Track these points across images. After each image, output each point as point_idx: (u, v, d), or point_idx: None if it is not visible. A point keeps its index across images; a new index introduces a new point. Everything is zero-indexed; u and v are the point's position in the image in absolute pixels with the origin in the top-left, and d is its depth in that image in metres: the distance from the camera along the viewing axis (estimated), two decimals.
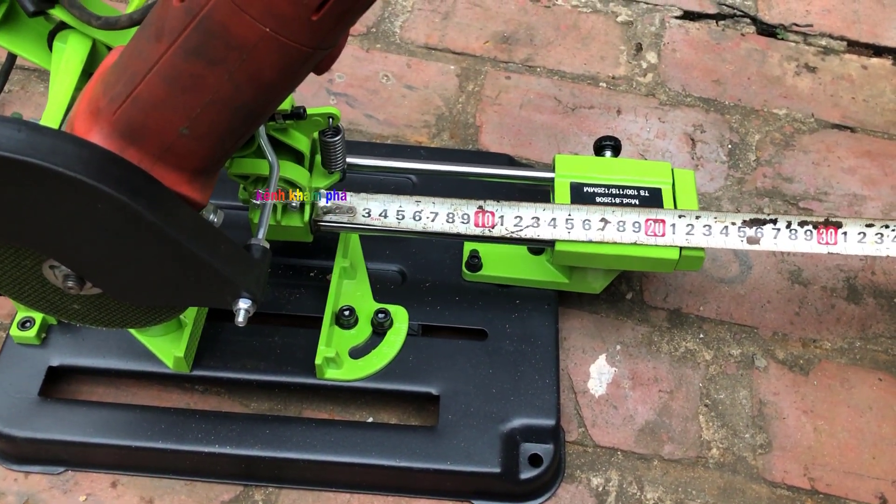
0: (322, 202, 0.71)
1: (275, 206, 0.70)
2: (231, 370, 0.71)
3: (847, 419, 0.75)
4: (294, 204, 0.69)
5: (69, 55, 0.61)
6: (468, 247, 0.78)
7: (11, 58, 0.86)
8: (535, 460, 0.69)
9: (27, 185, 0.46)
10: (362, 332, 0.73)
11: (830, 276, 0.84)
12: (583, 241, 0.70)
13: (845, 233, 0.70)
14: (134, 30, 0.55)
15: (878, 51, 1.03)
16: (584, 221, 0.68)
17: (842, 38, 1.04)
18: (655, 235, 0.68)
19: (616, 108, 0.96)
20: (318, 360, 0.69)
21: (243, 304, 0.55)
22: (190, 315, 0.70)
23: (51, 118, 0.59)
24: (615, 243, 0.70)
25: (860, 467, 0.73)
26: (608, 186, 0.73)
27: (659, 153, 0.93)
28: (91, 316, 0.59)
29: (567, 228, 0.68)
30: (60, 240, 0.51)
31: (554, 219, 0.69)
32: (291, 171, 0.68)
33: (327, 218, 0.71)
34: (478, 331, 0.75)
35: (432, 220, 0.70)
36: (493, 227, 0.69)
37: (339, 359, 0.71)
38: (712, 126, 0.95)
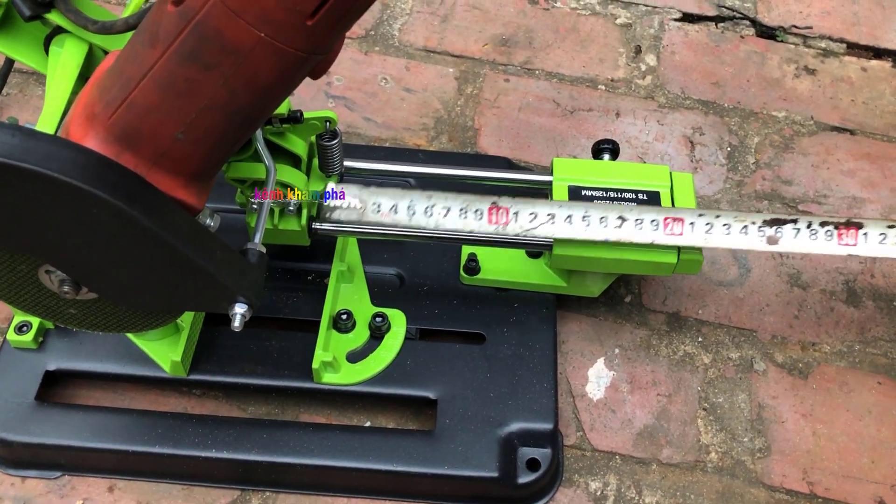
0: (331, 201, 0.69)
1: (272, 210, 0.69)
2: (228, 374, 0.71)
3: (846, 423, 0.75)
4: (291, 207, 0.69)
5: (65, 59, 0.61)
6: (466, 250, 0.78)
7: (9, 61, 0.86)
8: (532, 464, 0.68)
9: (22, 190, 0.46)
10: (360, 336, 0.73)
11: (830, 279, 0.84)
12: (582, 245, 0.70)
13: (866, 234, 0.68)
14: (130, 34, 0.55)
15: (877, 53, 1.03)
16: (601, 218, 0.67)
17: (841, 41, 1.04)
18: (674, 234, 0.67)
19: (615, 111, 0.96)
20: (315, 364, 0.69)
21: (239, 309, 0.55)
22: (187, 319, 0.70)
23: (47, 122, 0.59)
24: (616, 246, 0.70)
25: (859, 471, 0.72)
26: (606, 190, 0.73)
27: (658, 156, 0.92)
28: (87, 320, 0.59)
29: (584, 225, 0.66)
30: (56, 245, 0.51)
31: (570, 216, 0.67)
32: (288, 174, 0.68)
33: (333, 216, 0.70)
34: (476, 335, 0.75)
35: (444, 216, 0.68)
36: (506, 225, 0.67)
37: (336, 363, 0.70)
38: (711, 128, 0.95)
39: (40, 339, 0.72)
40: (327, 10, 0.44)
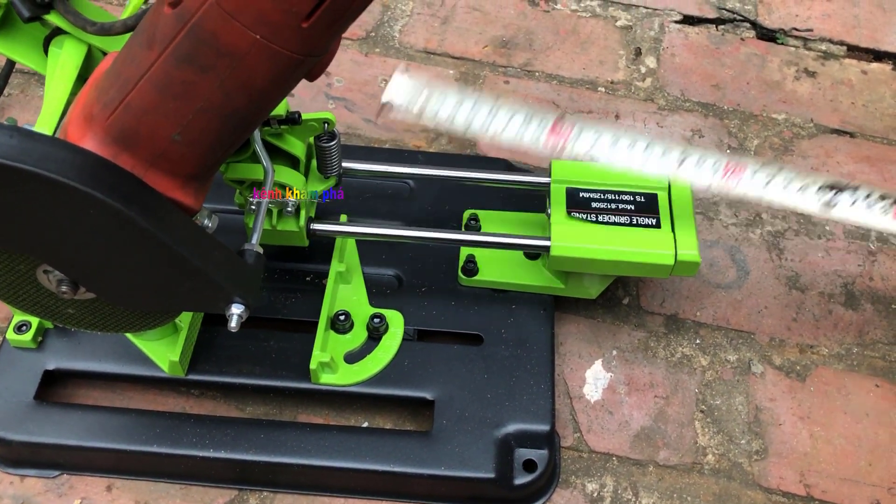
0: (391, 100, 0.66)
1: (270, 211, 0.70)
2: (226, 374, 0.71)
3: (844, 425, 0.75)
4: (290, 208, 0.69)
5: (64, 60, 0.61)
6: (464, 251, 0.78)
7: (10, 63, 0.86)
8: (529, 466, 0.69)
9: (20, 191, 0.46)
10: (358, 336, 0.73)
11: (828, 281, 0.84)
12: (579, 247, 0.70)
13: None
14: (128, 36, 0.55)
15: (877, 56, 1.03)
16: (664, 152, 0.64)
17: (842, 43, 1.04)
18: (732, 181, 0.65)
19: (614, 113, 0.96)
20: (313, 365, 0.69)
21: (236, 310, 0.55)
22: (185, 319, 0.71)
23: (46, 123, 0.59)
24: (614, 248, 0.70)
25: (856, 474, 0.72)
26: (604, 192, 0.73)
27: None
28: (86, 320, 0.59)
29: (643, 157, 0.64)
30: (54, 245, 0.51)
31: (632, 144, 0.65)
32: (287, 175, 0.68)
33: (390, 115, 0.68)
34: (473, 336, 0.75)
35: (506, 124, 0.65)
36: (565, 144, 0.64)
37: (334, 363, 0.71)
38: (711, 131, 0.95)
39: (39, 338, 0.72)
40: (323, 13, 0.44)
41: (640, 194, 0.72)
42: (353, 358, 0.72)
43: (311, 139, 0.70)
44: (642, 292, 0.82)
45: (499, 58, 1.01)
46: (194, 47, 0.46)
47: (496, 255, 0.77)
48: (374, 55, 1.00)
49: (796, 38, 1.04)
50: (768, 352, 0.79)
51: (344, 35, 0.59)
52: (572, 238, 0.70)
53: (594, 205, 0.72)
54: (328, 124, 0.68)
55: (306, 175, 0.71)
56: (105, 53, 0.62)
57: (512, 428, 0.69)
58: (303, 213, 0.70)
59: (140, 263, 0.52)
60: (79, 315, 0.59)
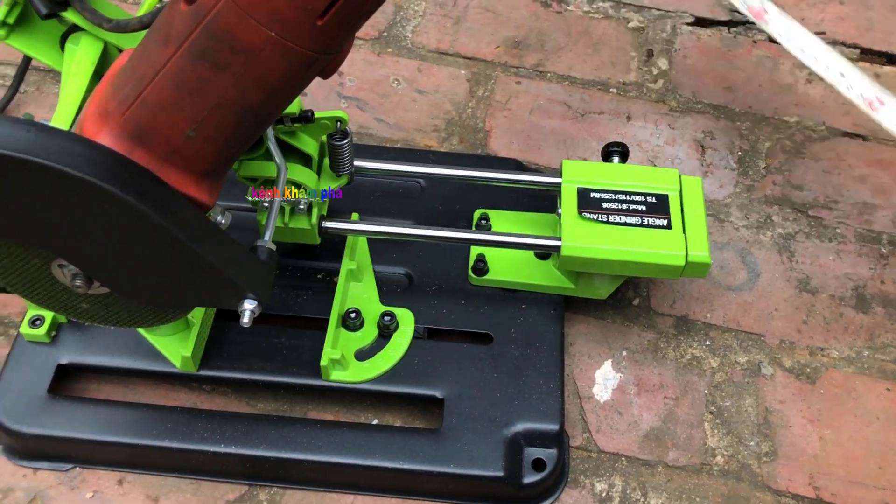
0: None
1: (283, 208, 0.70)
2: (238, 370, 0.72)
3: (854, 428, 0.75)
4: (302, 206, 0.69)
5: (80, 57, 0.62)
6: (475, 251, 0.78)
7: (27, 59, 0.87)
8: (538, 465, 0.69)
9: (37, 185, 0.47)
10: (368, 334, 0.73)
11: (839, 284, 0.84)
12: (589, 247, 0.70)
13: None
14: (144, 33, 0.56)
15: (891, 59, 1.02)
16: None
17: (855, 46, 1.03)
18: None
19: (626, 114, 0.96)
20: (323, 362, 0.70)
21: (248, 306, 0.56)
22: (198, 315, 0.71)
23: (62, 119, 0.60)
24: (624, 248, 0.70)
25: (866, 477, 0.72)
26: (615, 192, 0.73)
27: (668, 159, 0.92)
28: (99, 315, 0.60)
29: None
30: (68, 239, 0.51)
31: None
32: (299, 173, 0.68)
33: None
34: (483, 335, 0.75)
35: None
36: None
37: (344, 361, 0.71)
38: (722, 133, 0.95)
39: (53, 332, 0.73)
40: (337, 11, 0.45)
41: (652, 195, 0.72)
42: (363, 355, 0.72)
43: (324, 137, 0.70)
44: (652, 293, 0.82)
45: (511, 58, 1.01)
46: (210, 44, 0.46)
47: (506, 254, 0.78)
48: (387, 55, 1.01)
49: None
50: (778, 354, 0.79)
51: (356, 35, 0.60)
52: (583, 238, 0.71)
53: (605, 205, 0.72)
54: (341, 123, 0.68)
55: (319, 173, 0.71)
56: (121, 50, 0.63)
57: (521, 427, 0.70)
58: (315, 210, 0.71)
59: (154, 259, 0.52)
60: (92, 309, 0.59)
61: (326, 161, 0.72)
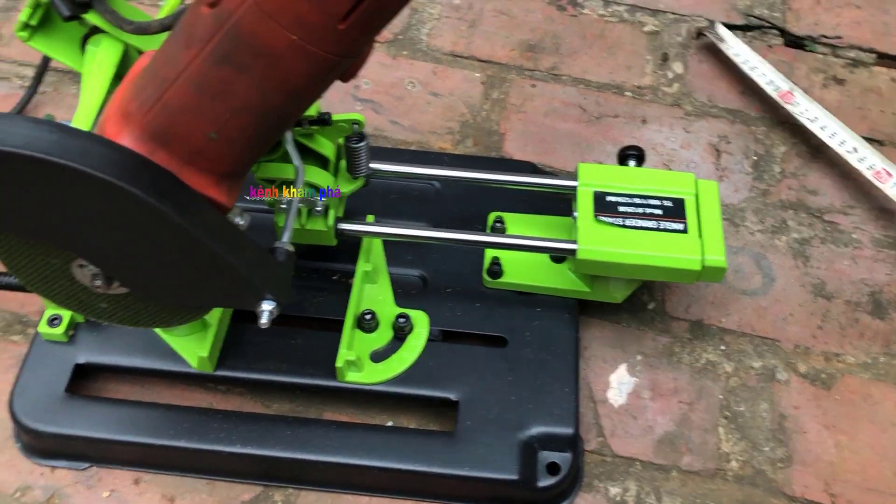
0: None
1: (299, 211, 0.70)
2: (253, 371, 0.72)
3: (870, 435, 0.75)
4: (319, 208, 0.70)
5: (101, 59, 0.62)
6: (489, 254, 0.78)
7: (45, 60, 0.88)
8: (552, 468, 0.69)
9: (58, 185, 0.47)
10: (383, 336, 0.73)
11: (855, 290, 0.83)
12: (605, 250, 0.70)
13: None
14: (165, 35, 0.56)
15: None
16: None
17: (871, 51, 1.03)
18: None
19: (641, 118, 0.96)
20: (339, 363, 0.70)
21: (267, 307, 0.56)
22: (215, 316, 0.71)
23: (82, 120, 0.60)
24: (640, 252, 0.70)
25: (882, 484, 0.72)
26: (631, 196, 0.73)
27: (683, 163, 0.92)
28: (118, 315, 0.60)
29: None
30: (89, 239, 0.52)
31: None
32: (316, 175, 0.69)
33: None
34: (498, 338, 0.75)
35: None
36: None
37: (359, 362, 0.71)
38: (737, 137, 0.95)
39: (71, 332, 0.73)
40: (359, 14, 0.45)
41: (668, 199, 0.72)
42: (378, 357, 0.73)
43: (341, 140, 0.71)
44: (667, 297, 0.82)
45: (525, 61, 1.01)
46: (232, 47, 0.47)
47: (521, 257, 0.78)
48: (402, 58, 1.01)
49: (825, 45, 1.03)
50: (793, 359, 0.79)
51: None
52: (599, 242, 0.71)
53: (621, 209, 0.72)
54: (358, 125, 0.68)
55: (335, 175, 0.72)
56: (141, 52, 0.63)
57: (535, 430, 0.70)
58: (331, 212, 0.71)
59: (174, 259, 0.52)
60: (111, 309, 0.60)
61: (343, 163, 0.72)
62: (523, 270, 0.77)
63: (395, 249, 0.79)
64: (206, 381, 0.75)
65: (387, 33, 1.03)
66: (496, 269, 0.77)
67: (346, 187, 0.72)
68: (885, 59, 1.02)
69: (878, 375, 0.78)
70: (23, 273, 0.56)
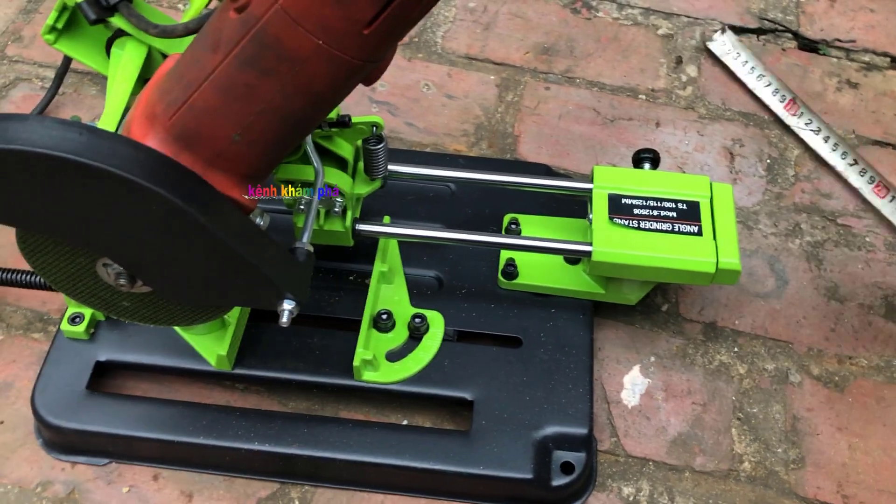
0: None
1: (318, 211, 0.71)
2: (271, 370, 0.73)
3: (883, 437, 0.75)
4: (337, 209, 0.71)
5: (126, 61, 0.63)
6: (504, 255, 0.79)
7: (66, 62, 0.89)
8: (567, 468, 0.69)
9: (86, 186, 0.48)
10: (399, 335, 0.74)
11: (868, 293, 0.84)
12: (620, 252, 0.71)
13: None
14: (189, 38, 0.57)
15: None
16: None
17: (885, 55, 1.03)
18: None
19: (655, 121, 0.97)
20: (355, 362, 0.71)
21: (287, 306, 0.57)
22: (233, 315, 0.72)
23: (107, 122, 0.61)
24: (657, 255, 0.70)
25: (895, 485, 0.72)
26: (646, 199, 0.74)
27: (697, 166, 0.93)
28: (140, 313, 0.61)
29: None
30: (115, 239, 0.53)
31: None
32: (335, 177, 0.69)
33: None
34: (513, 338, 0.76)
35: None
36: None
37: (376, 361, 0.72)
38: (751, 140, 0.95)
39: (92, 330, 0.74)
40: (383, 21, 0.46)
41: (683, 202, 0.73)
42: (394, 356, 0.73)
43: (359, 142, 0.72)
44: (681, 299, 0.83)
45: (540, 64, 1.02)
46: (258, 51, 0.47)
47: (536, 259, 0.78)
48: (417, 60, 1.02)
49: (839, 48, 1.04)
50: (806, 362, 0.79)
51: None
52: (614, 244, 0.71)
53: (636, 211, 0.73)
54: (377, 128, 0.69)
55: (353, 176, 0.72)
56: (165, 55, 0.64)
57: (550, 430, 0.70)
58: (349, 213, 0.72)
59: (197, 259, 0.53)
60: (133, 308, 0.61)
61: (360, 165, 0.73)
62: (538, 272, 0.78)
63: (411, 250, 0.80)
64: (225, 380, 0.76)
65: None
66: (511, 271, 0.78)
67: (364, 189, 0.72)
68: None
69: (891, 378, 0.78)
70: (49, 272, 0.57)
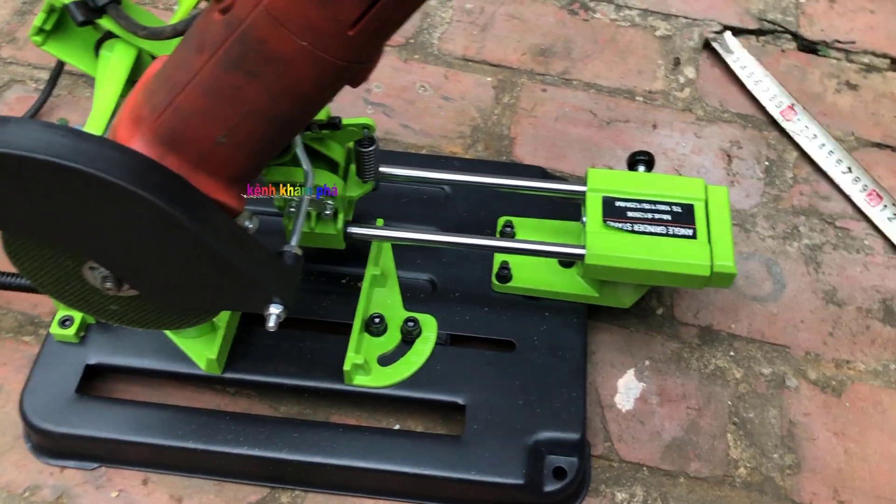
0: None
1: (309, 214, 0.71)
2: (262, 374, 0.72)
3: (879, 443, 0.74)
4: (328, 211, 0.70)
5: (114, 63, 0.63)
6: (498, 258, 0.78)
7: (60, 64, 0.89)
8: (559, 473, 0.69)
9: (70, 188, 0.48)
10: (391, 339, 0.74)
11: (866, 296, 0.83)
12: (614, 255, 0.70)
13: None
14: (178, 40, 0.57)
15: None
16: None
17: (885, 56, 1.02)
18: None
19: (652, 123, 0.96)
20: (346, 367, 0.70)
21: (274, 310, 0.56)
22: (223, 318, 0.72)
23: (95, 124, 0.61)
24: (651, 258, 0.70)
25: (891, 492, 0.72)
26: (640, 201, 0.73)
27: (695, 169, 0.92)
28: (128, 317, 0.61)
29: None
30: (100, 242, 0.52)
31: None
32: (326, 179, 0.69)
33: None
34: (506, 342, 0.75)
35: None
36: None
37: (367, 365, 0.72)
38: (749, 142, 0.94)
39: (82, 333, 0.74)
40: (368, 21, 0.45)
41: (677, 204, 0.72)
42: (386, 360, 0.73)
43: (351, 144, 0.71)
44: (676, 303, 0.82)
45: (537, 66, 1.01)
46: (243, 53, 0.47)
47: (530, 262, 0.78)
48: (413, 62, 1.01)
49: (838, 50, 1.03)
50: (803, 366, 0.79)
51: None
52: (607, 247, 0.70)
53: (630, 214, 0.72)
54: (368, 130, 0.69)
55: (345, 179, 0.72)
56: (154, 57, 0.64)
57: (543, 435, 0.70)
58: (340, 216, 0.71)
59: (183, 262, 0.53)
60: (121, 311, 0.60)
61: (352, 167, 0.72)
62: (532, 275, 0.77)
63: (405, 253, 0.79)
64: (215, 383, 0.75)
65: (398, 37, 1.03)
66: (505, 274, 0.77)
67: (356, 191, 0.72)
68: None
69: (889, 383, 0.78)
70: (35, 275, 0.57)
